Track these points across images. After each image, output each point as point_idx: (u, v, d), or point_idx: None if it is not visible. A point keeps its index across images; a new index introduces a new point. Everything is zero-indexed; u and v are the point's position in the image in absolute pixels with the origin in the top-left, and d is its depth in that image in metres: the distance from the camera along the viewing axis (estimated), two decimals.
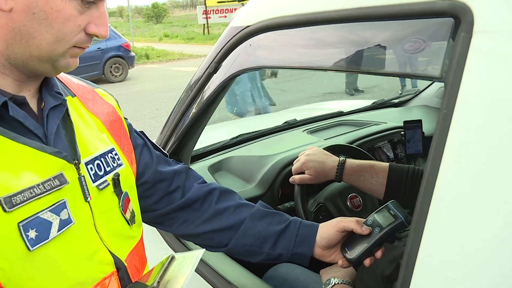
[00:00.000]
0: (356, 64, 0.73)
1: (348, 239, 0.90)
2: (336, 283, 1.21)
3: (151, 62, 16.13)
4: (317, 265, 1.33)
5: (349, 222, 0.90)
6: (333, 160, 1.30)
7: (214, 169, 1.66)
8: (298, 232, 0.92)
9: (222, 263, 1.21)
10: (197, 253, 0.72)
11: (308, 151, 1.35)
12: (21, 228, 0.55)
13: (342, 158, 1.30)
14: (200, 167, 1.65)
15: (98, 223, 0.68)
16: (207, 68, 1.13)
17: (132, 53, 12.20)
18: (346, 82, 6.71)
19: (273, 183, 1.55)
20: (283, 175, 1.57)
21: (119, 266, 0.71)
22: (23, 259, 0.56)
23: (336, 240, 0.92)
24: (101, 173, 0.70)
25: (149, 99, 9.31)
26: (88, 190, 0.67)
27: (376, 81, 6.42)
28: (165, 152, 0.97)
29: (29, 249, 0.56)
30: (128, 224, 0.75)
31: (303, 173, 1.32)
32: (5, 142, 0.58)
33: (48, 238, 0.59)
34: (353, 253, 0.87)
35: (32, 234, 0.56)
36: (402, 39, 0.64)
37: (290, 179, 1.35)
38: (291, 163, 1.59)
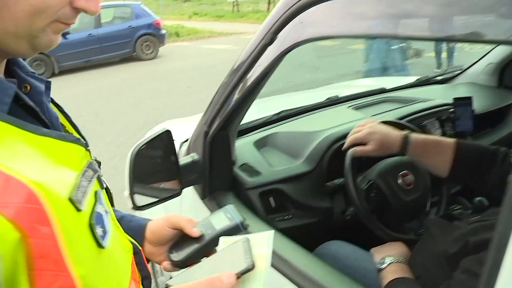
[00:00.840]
0: (435, 31, 0.68)
1: (180, 239, 0.85)
2: (391, 262, 1.18)
3: (182, 40, 16.12)
4: (367, 243, 1.34)
5: (181, 219, 0.84)
6: (397, 133, 1.27)
7: (260, 144, 1.64)
8: (130, 226, 0.88)
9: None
10: (267, 234, 0.71)
11: (372, 123, 1.31)
12: (92, 226, 0.54)
13: (406, 132, 1.26)
14: (245, 143, 1.64)
15: (111, 208, 0.68)
16: (262, 39, 1.10)
17: (163, 31, 12.20)
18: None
19: (322, 159, 1.52)
20: (331, 152, 1.54)
21: (136, 251, 0.72)
22: (97, 260, 0.55)
23: (167, 237, 0.86)
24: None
25: (180, 76, 9.33)
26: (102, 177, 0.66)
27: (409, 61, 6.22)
28: None
29: (101, 247, 0.55)
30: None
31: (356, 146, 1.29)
32: (31, 137, 0.53)
33: (107, 231, 0.58)
34: (179, 255, 0.82)
35: (99, 230, 0.55)
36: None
37: (351, 150, 1.33)
38: (340, 139, 1.56)
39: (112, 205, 0.74)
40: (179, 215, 0.84)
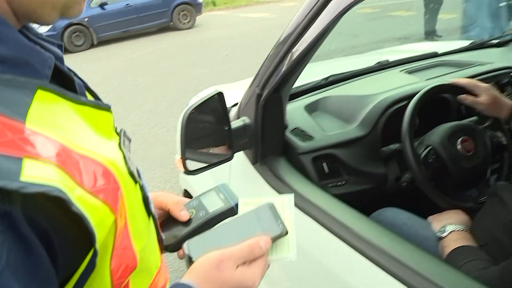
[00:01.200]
0: None
1: (167, 219, 0.77)
2: (452, 230, 1.14)
3: (218, 9, 15.98)
4: (422, 210, 1.29)
5: (168, 200, 0.76)
6: (506, 100, 1.30)
7: (311, 109, 1.60)
8: None
9: (329, 203, 1.16)
10: (287, 198, 0.71)
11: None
12: (146, 197, 0.53)
13: None
14: (296, 107, 1.59)
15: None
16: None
17: (200, 0, 12.10)
18: (425, 25, 6.26)
19: (376, 124, 1.45)
20: (387, 116, 1.48)
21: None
22: (148, 231, 0.55)
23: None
24: None
25: (218, 45, 9.27)
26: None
27: (455, 25, 5.93)
28: None
29: (152, 215, 0.55)
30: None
31: None
32: (74, 106, 0.49)
33: (149, 198, 0.57)
34: (168, 239, 0.74)
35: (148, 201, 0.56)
36: None
37: (461, 96, 1.35)
38: (395, 103, 1.50)
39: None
40: (167, 194, 0.79)
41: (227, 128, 1.24)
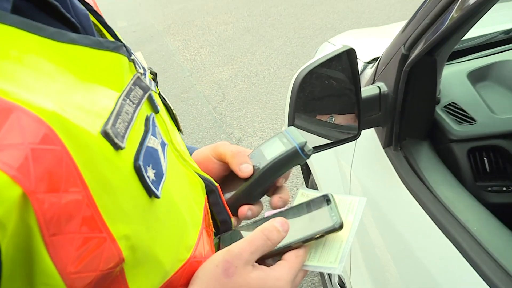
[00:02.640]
0: None
1: (231, 175, 0.76)
2: None
3: None
4: None
5: (227, 150, 0.74)
6: None
7: (477, 77, 1.35)
8: None
9: (487, 224, 0.94)
10: (358, 200, 0.70)
11: None
12: (139, 168, 0.48)
13: None
14: (455, 72, 1.37)
15: (172, 137, 0.63)
16: None
17: None
18: None
19: None
20: None
21: (210, 189, 0.69)
22: (148, 214, 0.50)
23: (215, 170, 0.77)
24: (141, 70, 0.60)
25: None
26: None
27: None
28: None
29: (156, 195, 0.49)
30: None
31: None
32: (49, 46, 0.46)
33: (163, 173, 0.53)
34: (226, 195, 0.74)
35: (150, 173, 0.50)
36: None
37: None
38: None
39: (179, 130, 0.70)
40: (228, 144, 0.77)
41: (355, 97, 1.14)
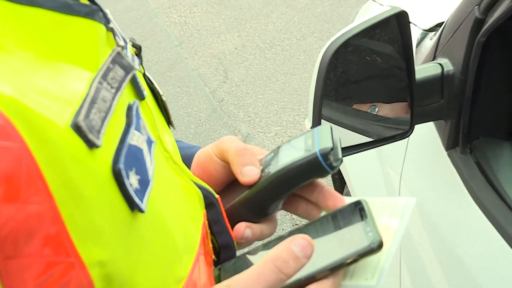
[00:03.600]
0: None
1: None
2: None
3: None
4: None
5: (231, 146, 0.77)
6: None
7: None
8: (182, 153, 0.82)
9: None
10: (405, 201, 0.72)
11: None
12: (119, 173, 0.49)
13: None
14: None
15: (161, 133, 0.65)
16: None
17: None
18: None
19: None
20: None
21: (210, 202, 0.71)
22: (128, 233, 0.51)
23: (217, 173, 0.80)
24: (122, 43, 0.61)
25: None
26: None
27: None
28: None
29: (140, 209, 0.51)
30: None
31: None
32: (7, 9, 0.48)
33: (150, 180, 0.54)
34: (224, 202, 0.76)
35: (133, 180, 0.51)
36: None
37: None
38: None
39: (169, 124, 0.73)
40: (235, 140, 0.80)
41: (407, 78, 1.17)
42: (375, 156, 1.66)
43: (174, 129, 0.75)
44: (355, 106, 1.21)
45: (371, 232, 0.64)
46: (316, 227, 0.69)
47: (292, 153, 0.74)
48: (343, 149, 1.07)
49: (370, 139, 1.16)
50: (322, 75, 1.02)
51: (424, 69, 1.21)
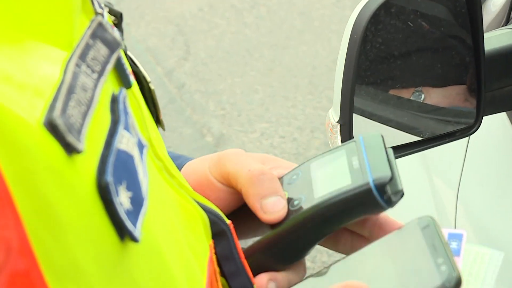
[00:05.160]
0: None
1: (243, 210, 0.82)
2: None
3: None
4: None
5: (242, 169, 0.80)
6: None
7: None
8: None
9: None
10: (490, 256, 0.75)
11: None
12: (106, 188, 0.50)
13: None
14: None
15: (151, 133, 0.68)
16: None
17: None
18: None
19: None
20: None
21: (220, 229, 0.73)
22: (120, 269, 0.53)
23: (216, 200, 0.81)
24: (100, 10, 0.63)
25: None
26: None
27: None
28: None
29: (133, 237, 0.53)
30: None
31: None
32: None
33: (144, 196, 0.56)
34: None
35: (124, 198, 0.52)
36: None
37: None
38: None
39: (157, 122, 0.76)
40: (242, 155, 0.83)
41: (470, 52, 1.22)
42: (419, 162, 1.67)
43: (164, 130, 0.78)
44: (392, 92, 1.25)
45: (444, 265, 0.65)
46: (366, 259, 0.71)
47: (332, 179, 0.77)
48: (397, 149, 1.13)
49: (418, 138, 1.19)
50: (355, 48, 1.05)
51: (495, 38, 1.24)
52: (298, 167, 0.82)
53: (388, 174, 0.73)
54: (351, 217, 0.76)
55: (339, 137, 1.12)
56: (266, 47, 4.56)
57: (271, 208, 0.76)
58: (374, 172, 0.74)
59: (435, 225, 0.70)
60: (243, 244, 0.78)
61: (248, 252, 0.77)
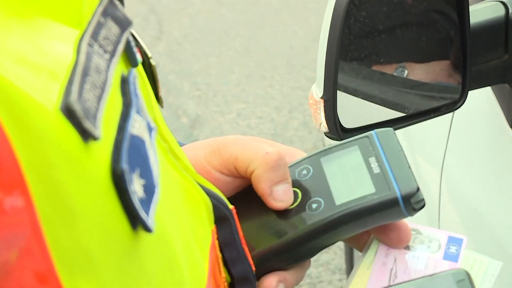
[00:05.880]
0: None
1: (247, 196, 0.82)
2: None
3: None
4: None
5: (255, 155, 0.80)
6: None
7: None
8: None
9: None
10: (487, 263, 0.78)
11: None
12: (121, 176, 0.50)
13: None
14: None
15: (157, 114, 0.68)
16: None
17: None
18: None
19: None
20: None
21: (222, 214, 0.73)
22: (131, 260, 0.53)
23: (222, 188, 0.80)
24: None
25: None
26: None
27: None
28: None
29: (146, 227, 0.52)
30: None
31: None
32: None
33: (155, 183, 0.56)
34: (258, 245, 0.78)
35: (138, 186, 0.52)
36: None
37: None
38: None
39: (158, 100, 0.75)
40: (241, 140, 0.84)
41: (455, 26, 1.23)
42: (402, 143, 1.64)
43: (162, 107, 0.76)
44: (375, 68, 1.25)
45: None
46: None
47: (353, 184, 0.78)
48: (374, 125, 1.13)
49: (402, 114, 1.19)
50: (339, 21, 1.05)
51: (479, 11, 1.24)
52: (305, 159, 0.82)
53: (414, 185, 0.74)
54: (372, 225, 0.76)
55: (322, 113, 1.12)
56: (242, 26, 4.57)
57: (281, 195, 0.77)
58: (399, 182, 0.75)
59: (470, 280, 0.70)
60: (263, 232, 0.81)
61: (260, 253, 0.78)
